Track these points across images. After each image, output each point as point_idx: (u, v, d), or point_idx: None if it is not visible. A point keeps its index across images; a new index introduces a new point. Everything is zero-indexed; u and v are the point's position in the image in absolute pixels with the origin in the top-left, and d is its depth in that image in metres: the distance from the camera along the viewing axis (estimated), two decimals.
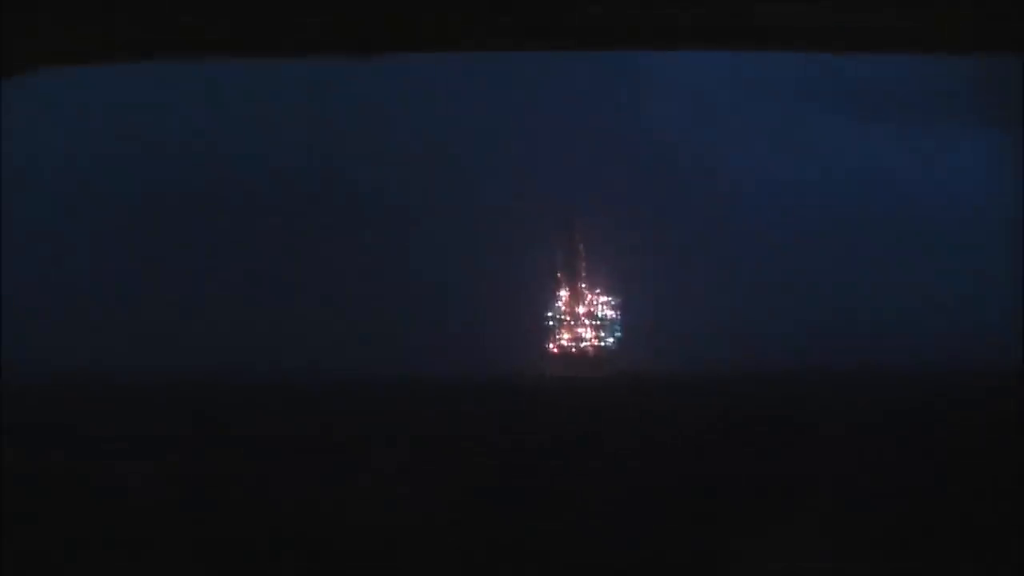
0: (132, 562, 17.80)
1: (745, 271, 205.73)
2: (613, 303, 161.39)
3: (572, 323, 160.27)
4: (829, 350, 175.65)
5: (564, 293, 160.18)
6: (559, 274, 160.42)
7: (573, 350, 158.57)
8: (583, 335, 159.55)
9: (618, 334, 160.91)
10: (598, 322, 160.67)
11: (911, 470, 29.42)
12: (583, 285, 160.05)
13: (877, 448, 36.62)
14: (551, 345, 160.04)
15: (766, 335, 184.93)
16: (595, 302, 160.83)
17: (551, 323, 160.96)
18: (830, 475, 28.41)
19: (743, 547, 18.87)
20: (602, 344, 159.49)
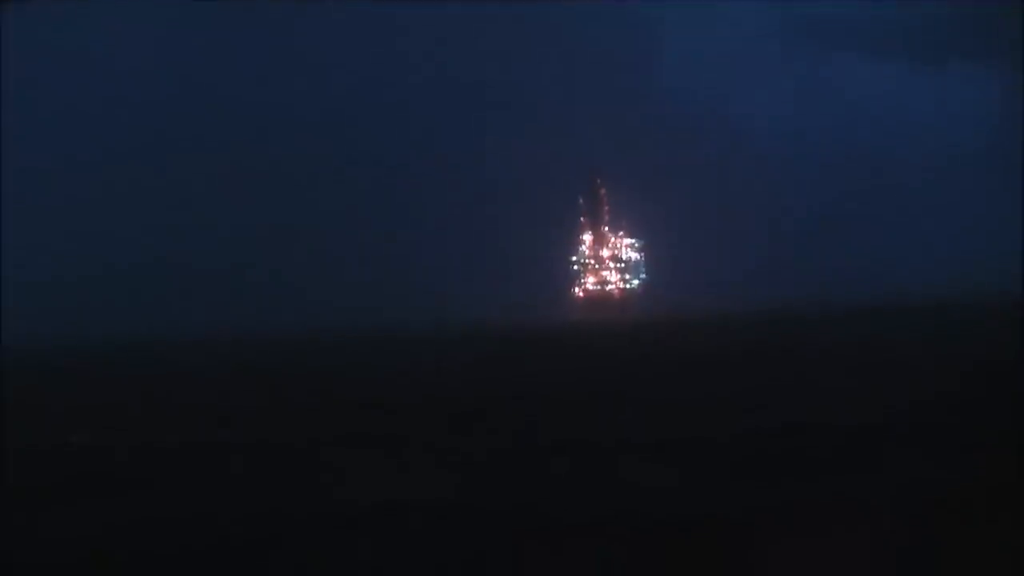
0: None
1: (763, 210, 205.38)
2: (637, 245, 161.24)
3: (597, 267, 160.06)
4: (850, 285, 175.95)
5: (588, 237, 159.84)
6: (582, 218, 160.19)
7: (598, 293, 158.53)
8: (608, 278, 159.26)
9: (643, 276, 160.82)
10: (622, 264, 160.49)
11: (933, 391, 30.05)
12: (606, 228, 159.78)
13: (900, 376, 37.02)
14: (577, 289, 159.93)
15: (789, 272, 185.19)
16: (619, 245, 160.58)
17: (576, 267, 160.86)
18: (859, 402, 28.93)
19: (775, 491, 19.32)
20: (627, 287, 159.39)
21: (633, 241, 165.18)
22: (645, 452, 22.05)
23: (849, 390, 32.37)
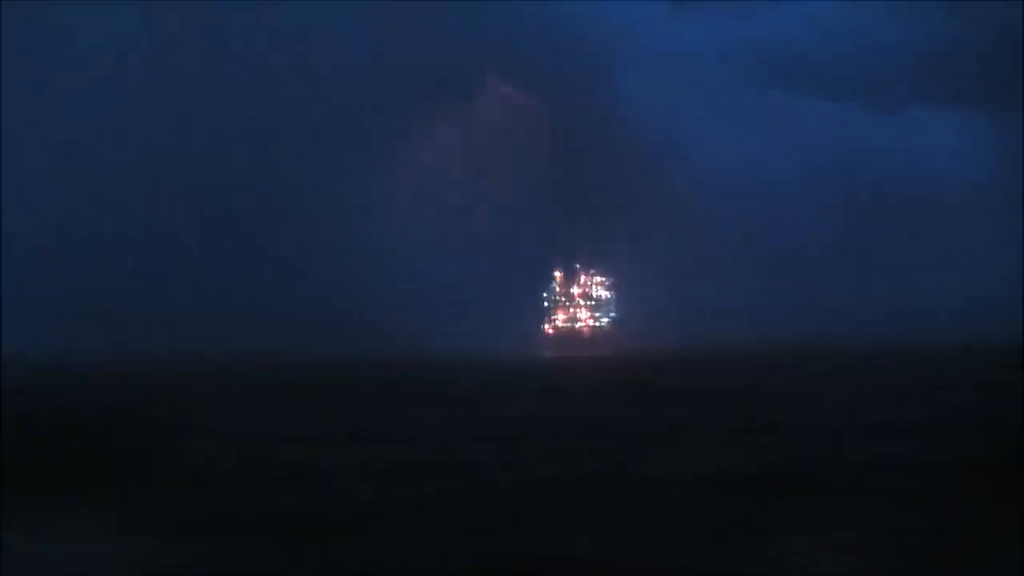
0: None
1: (732, 252, 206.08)
2: (608, 283, 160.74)
3: (567, 304, 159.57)
4: (816, 328, 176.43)
5: (559, 274, 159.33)
6: (554, 255, 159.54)
7: (567, 331, 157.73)
8: (578, 316, 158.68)
9: (613, 314, 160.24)
10: (593, 303, 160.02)
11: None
12: (578, 265, 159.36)
13: (858, 422, 37.17)
14: (546, 326, 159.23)
15: (756, 313, 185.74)
16: (590, 283, 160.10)
17: (546, 304, 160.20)
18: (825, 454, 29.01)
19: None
20: (597, 324, 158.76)
21: (604, 279, 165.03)
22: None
23: (808, 429, 32.54)
